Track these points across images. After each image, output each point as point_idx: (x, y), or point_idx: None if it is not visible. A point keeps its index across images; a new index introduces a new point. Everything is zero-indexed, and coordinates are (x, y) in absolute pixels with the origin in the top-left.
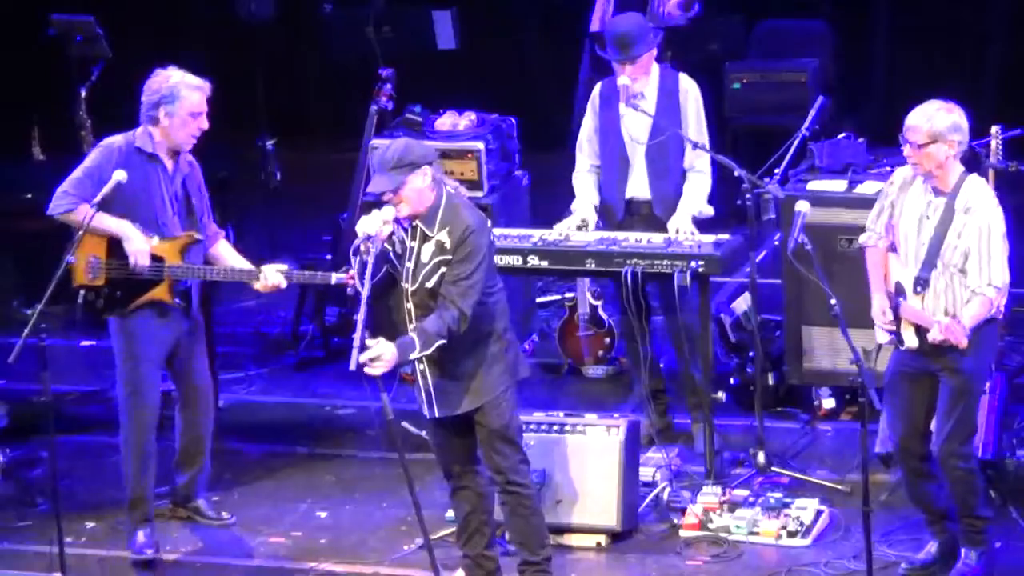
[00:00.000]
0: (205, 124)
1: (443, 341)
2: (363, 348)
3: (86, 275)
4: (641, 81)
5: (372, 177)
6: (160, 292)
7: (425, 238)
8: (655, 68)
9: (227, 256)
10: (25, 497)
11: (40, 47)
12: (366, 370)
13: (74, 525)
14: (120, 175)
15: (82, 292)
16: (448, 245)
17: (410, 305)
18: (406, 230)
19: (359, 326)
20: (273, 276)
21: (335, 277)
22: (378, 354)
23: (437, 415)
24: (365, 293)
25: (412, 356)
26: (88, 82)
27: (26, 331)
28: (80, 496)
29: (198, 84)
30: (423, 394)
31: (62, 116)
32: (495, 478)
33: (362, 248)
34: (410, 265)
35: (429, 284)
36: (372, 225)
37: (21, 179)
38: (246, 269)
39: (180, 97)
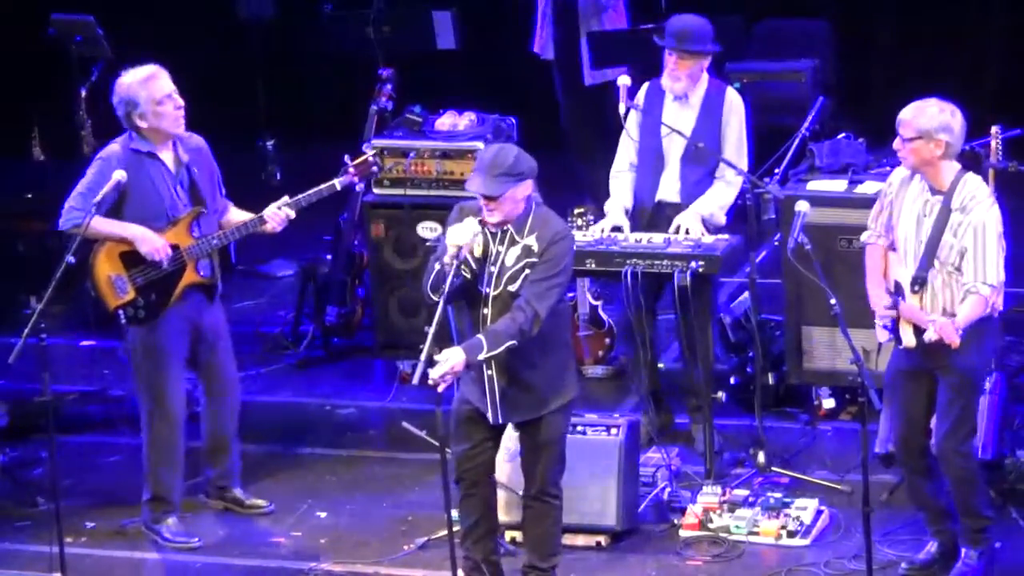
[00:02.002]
0: (180, 101)
1: (514, 343)
2: (430, 362)
3: (116, 296)
4: (685, 84)
5: (473, 176)
6: (189, 276)
7: (513, 242)
8: (705, 77)
9: (235, 218)
10: (25, 497)
11: (40, 47)
12: (439, 387)
13: (74, 525)
14: (120, 175)
15: (120, 313)
16: (536, 249)
17: (487, 311)
18: (494, 234)
19: (428, 339)
20: (278, 214)
21: (339, 183)
22: (450, 367)
23: (502, 421)
24: (441, 305)
25: (480, 357)
26: (88, 82)
27: (26, 331)
28: (80, 496)
29: (148, 74)
30: (487, 400)
31: (62, 116)
32: (529, 485)
33: (446, 260)
34: (494, 269)
35: (512, 287)
36: (464, 236)
37: (21, 179)
38: (250, 219)
39: (138, 96)
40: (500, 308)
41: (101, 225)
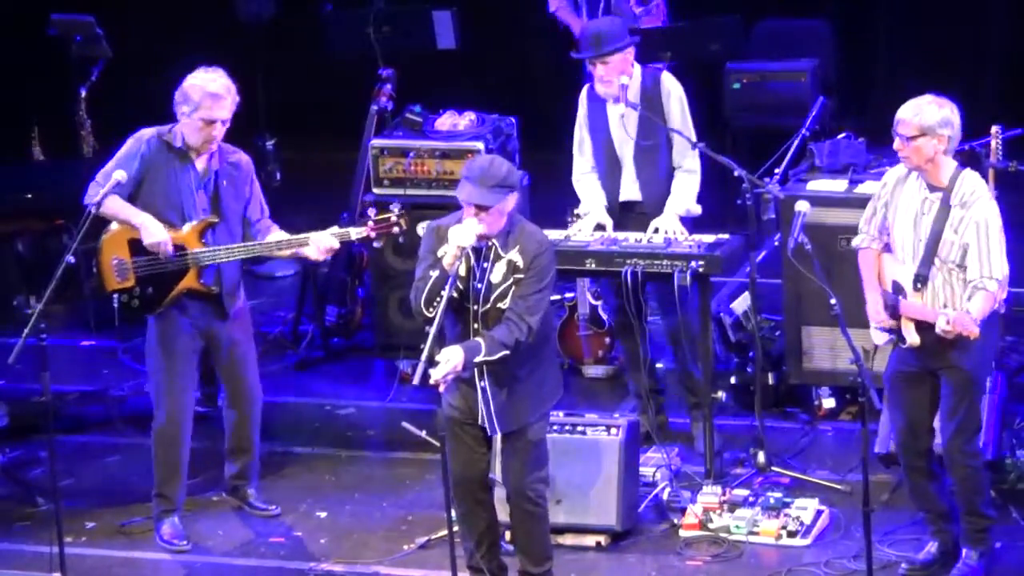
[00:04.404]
0: (218, 134)
1: (507, 352)
2: (431, 362)
3: (115, 278)
4: (617, 85)
5: (465, 184)
6: (190, 281)
7: (498, 257)
8: (637, 69)
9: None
10: (25, 497)
11: (40, 47)
12: (440, 387)
13: (74, 525)
14: (120, 175)
15: (115, 296)
16: (521, 264)
17: (477, 325)
18: (477, 251)
19: (429, 339)
20: (327, 240)
21: (354, 233)
22: (451, 367)
23: (500, 431)
24: (442, 307)
25: (477, 360)
26: (88, 82)
27: (26, 331)
28: (80, 496)
29: (219, 91)
30: (483, 411)
31: (62, 116)
32: (513, 490)
33: (448, 261)
34: (481, 286)
35: (502, 304)
36: (466, 237)
37: (21, 179)
38: (257, 244)
39: (195, 102)
40: (489, 324)
41: (114, 207)
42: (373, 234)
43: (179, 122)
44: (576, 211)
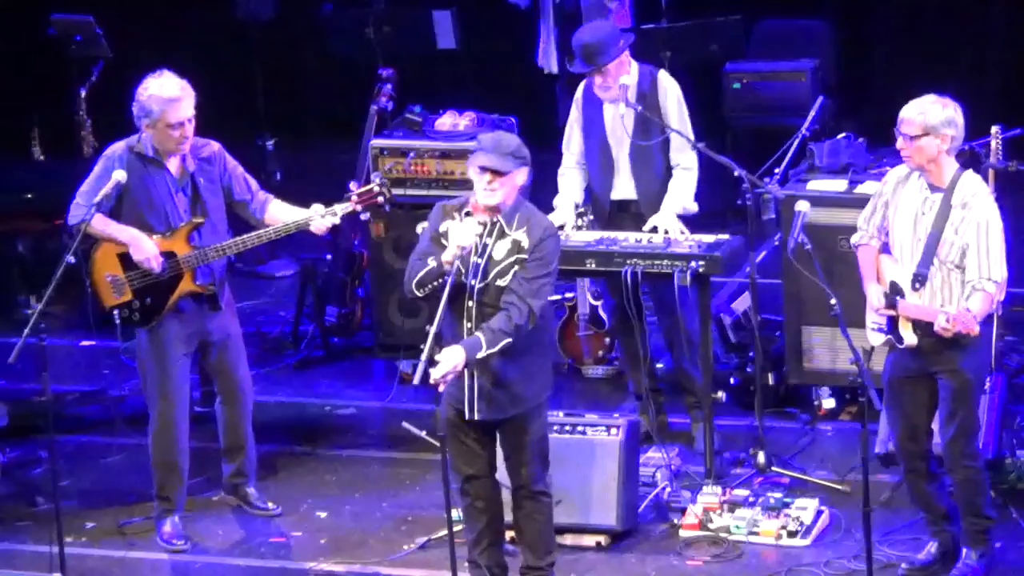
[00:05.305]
0: (189, 132)
1: (509, 340)
2: (431, 362)
3: (112, 295)
4: (615, 89)
5: (479, 154)
6: (186, 284)
7: (502, 235)
8: (633, 67)
9: (282, 216)
10: (25, 497)
11: (40, 47)
12: (439, 386)
13: (74, 525)
14: (120, 175)
15: (115, 312)
16: (525, 244)
17: (471, 303)
18: (482, 225)
19: (429, 339)
20: (322, 222)
21: (339, 209)
22: (451, 366)
23: (478, 417)
24: (442, 305)
25: (480, 355)
26: (88, 82)
27: (26, 331)
28: (80, 496)
29: (173, 95)
30: (464, 394)
31: (62, 116)
32: (516, 485)
33: (447, 259)
34: (480, 261)
35: (500, 282)
36: (466, 236)
37: (21, 179)
38: (249, 236)
39: (154, 111)
40: (485, 301)
41: (100, 225)
42: (359, 207)
43: (144, 133)
44: (579, 210)
